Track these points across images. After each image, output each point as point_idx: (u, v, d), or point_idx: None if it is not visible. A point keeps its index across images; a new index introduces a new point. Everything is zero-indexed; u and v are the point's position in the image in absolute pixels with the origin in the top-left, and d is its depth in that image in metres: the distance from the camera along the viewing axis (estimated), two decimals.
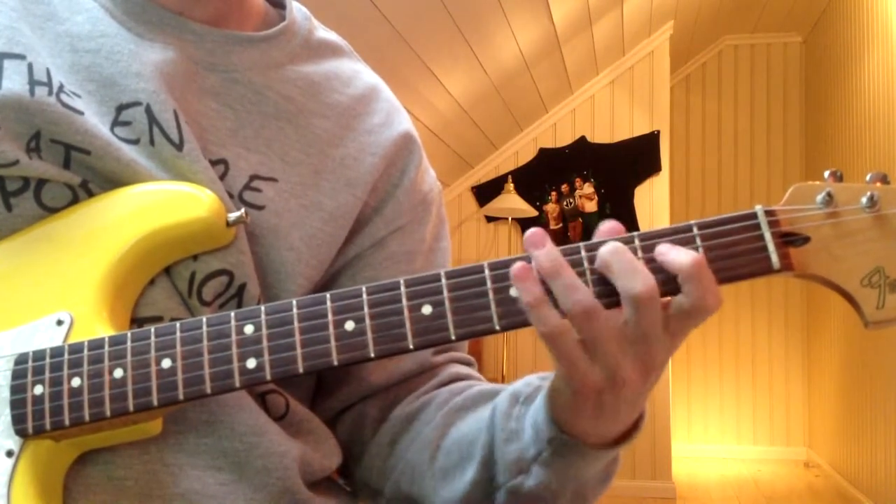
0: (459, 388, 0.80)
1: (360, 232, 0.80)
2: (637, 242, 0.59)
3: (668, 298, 0.59)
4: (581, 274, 0.59)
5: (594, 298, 0.58)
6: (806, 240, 0.58)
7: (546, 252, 0.59)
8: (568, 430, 0.64)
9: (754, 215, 0.59)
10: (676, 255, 0.58)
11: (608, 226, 0.61)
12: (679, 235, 0.59)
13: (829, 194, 0.58)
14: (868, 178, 0.59)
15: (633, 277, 0.57)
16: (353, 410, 0.83)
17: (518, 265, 0.59)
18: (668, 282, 0.58)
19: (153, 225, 0.67)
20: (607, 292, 0.59)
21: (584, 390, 0.60)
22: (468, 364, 0.87)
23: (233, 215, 0.68)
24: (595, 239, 0.60)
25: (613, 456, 0.68)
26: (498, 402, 0.72)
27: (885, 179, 0.58)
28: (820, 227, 0.58)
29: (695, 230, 0.59)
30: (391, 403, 0.82)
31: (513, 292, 0.60)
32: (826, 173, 0.59)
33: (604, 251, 0.58)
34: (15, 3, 0.72)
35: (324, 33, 0.86)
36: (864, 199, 0.58)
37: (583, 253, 0.60)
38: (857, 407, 4.73)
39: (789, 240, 0.58)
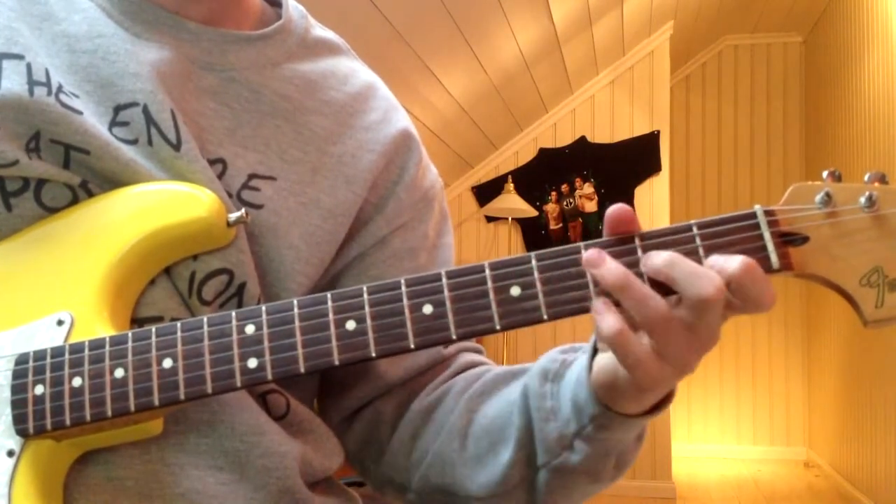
0: (475, 374, 0.81)
1: (362, 231, 0.80)
2: (638, 242, 0.60)
3: None
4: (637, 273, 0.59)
5: (667, 305, 0.58)
6: (805, 239, 0.58)
7: (609, 269, 0.58)
8: (611, 406, 0.64)
9: (753, 215, 0.59)
10: (729, 264, 0.57)
11: (617, 210, 0.61)
12: (679, 235, 0.59)
13: (827, 194, 0.58)
14: (866, 178, 0.59)
15: (701, 282, 0.57)
16: (369, 409, 0.83)
17: (601, 303, 0.59)
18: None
19: (153, 225, 0.67)
20: (657, 284, 0.58)
21: (652, 388, 0.61)
22: (477, 351, 0.87)
23: (233, 215, 0.68)
24: (606, 226, 0.61)
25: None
26: (528, 382, 0.71)
27: (883, 179, 0.58)
28: (819, 227, 0.59)
29: (694, 230, 0.59)
30: (406, 400, 0.82)
31: (513, 292, 0.60)
32: (825, 173, 0.59)
33: (661, 264, 0.58)
34: (12, 2, 0.72)
35: (320, 31, 0.86)
36: (862, 199, 0.58)
37: (637, 243, 0.60)
38: (857, 407, 4.73)
39: (788, 239, 0.59)
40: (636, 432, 0.68)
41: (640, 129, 5.16)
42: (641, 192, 5.08)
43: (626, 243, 0.60)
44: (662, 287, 0.58)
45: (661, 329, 0.58)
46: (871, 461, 4.42)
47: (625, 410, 0.64)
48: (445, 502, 0.77)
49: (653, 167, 5.09)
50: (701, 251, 0.59)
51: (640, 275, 0.59)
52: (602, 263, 0.59)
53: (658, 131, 5.13)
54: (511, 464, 0.71)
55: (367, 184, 0.80)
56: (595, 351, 0.65)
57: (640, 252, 0.59)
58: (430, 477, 0.78)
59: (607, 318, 0.58)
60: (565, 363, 0.70)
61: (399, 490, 0.82)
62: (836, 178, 0.59)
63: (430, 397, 0.81)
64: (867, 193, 0.58)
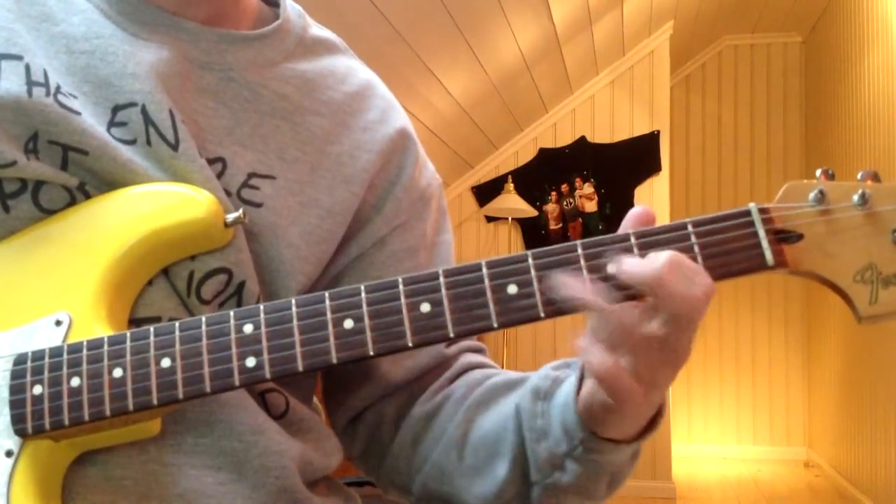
0: (476, 379, 0.81)
1: (361, 231, 0.81)
2: (633, 241, 0.60)
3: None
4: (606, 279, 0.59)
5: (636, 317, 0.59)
6: (799, 237, 0.59)
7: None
8: (598, 432, 0.65)
9: (748, 213, 0.60)
10: (634, 268, 0.58)
11: (640, 212, 0.62)
12: (674, 233, 0.59)
13: (821, 192, 0.59)
14: (859, 176, 0.59)
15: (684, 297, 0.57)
16: (372, 411, 0.83)
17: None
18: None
19: (151, 226, 0.67)
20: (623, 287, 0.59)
21: (628, 407, 0.61)
22: (479, 351, 0.87)
23: (231, 216, 0.69)
24: (626, 222, 0.61)
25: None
26: (520, 401, 0.72)
27: (876, 177, 0.59)
28: (813, 225, 0.59)
29: (689, 228, 0.60)
30: (408, 401, 0.82)
31: (510, 290, 0.60)
32: (818, 172, 0.60)
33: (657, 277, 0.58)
34: (11, 3, 0.72)
35: (318, 31, 0.87)
36: (855, 197, 0.58)
37: (633, 241, 0.60)
38: (857, 407, 4.73)
39: (783, 237, 0.59)
40: (629, 453, 0.69)
41: (640, 129, 5.16)
42: (641, 192, 5.08)
43: (623, 241, 0.60)
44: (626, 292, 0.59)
45: (633, 345, 0.59)
46: (871, 461, 4.42)
47: (612, 434, 0.65)
48: None
49: (653, 167, 5.09)
50: (696, 249, 0.59)
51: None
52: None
53: (658, 131, 5.13)
54: (507, 479, 0.72)
55: (365, 183, 0.80)
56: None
57: (636, 250, 0.59)
58: (429, 485, 0.79)
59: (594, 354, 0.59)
60: (557, 381, 0.70)
61: (402, 492, 0.83)
62: (830, 176, 0.59)
63: (431, 403, 0.81)
64: (860, 191, 0.58)
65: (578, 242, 0.60)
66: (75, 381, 0.63)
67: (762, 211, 0.59)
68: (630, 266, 0.58)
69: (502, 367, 0.85)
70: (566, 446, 0.67)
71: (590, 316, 0.60)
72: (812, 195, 0.59)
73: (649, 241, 0.59)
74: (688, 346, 0.59)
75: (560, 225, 5.16)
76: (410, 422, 0.81)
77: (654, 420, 0.67)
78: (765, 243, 0.59)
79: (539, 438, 0.69)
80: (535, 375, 0.72)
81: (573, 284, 0.58)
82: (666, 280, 0.56)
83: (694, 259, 0.59)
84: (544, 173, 5.23)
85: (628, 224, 0.61)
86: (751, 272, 0.59)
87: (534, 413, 0.70)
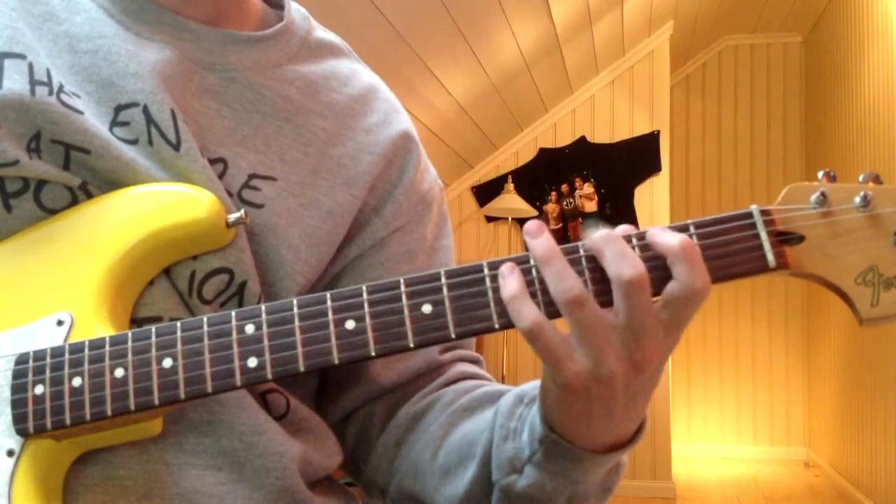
0: (466, 387, 0.81)
1: (360, 232, 0.81)
2: (634, 241, 0.60)
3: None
4: (580, 273, 0.59)
5: (584, 287, 0.58)
6: (801, 239, 0.59)
7: (541, 241, 0.60)
8: (560, 432, 0.64)
9: (750, 215, 0.60)
10: (665, 238, 0.58)
11: (622, 229, 0.61)
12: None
13: (823, 194, 0.59)
14: (861, 178, 0.59)
15: (623, 262, 0.57)
16: (362, 411, 0.83)
17: (505, 265, 0.60)
18: (660, 279, 0.58)
19: (153, 226, 0.67)
20: (604, 291, 0.59)
21: (570, 385, 0.60)
22: (475, 362, 0.87)
23: (232, 216, 0.69)
24: None
25: (613, 464, 0.67)
26: (502, 401, 0.72)
27: (877, 179, 0.59)
28: (815, 227, 0.59)
29: (691, 229, 0.60)
30: (397, 403, 0.82)
31: None
32: (820, 174, 0.60)
33: (597, 236, 0.59)
34: (14, 3, 0.72)
35: (322, 34, 0.87)
36: (857, 199, 0.58)
37: (581, 252, 0.60)
38: (857, 407, 4.73)
39: (784, 239, 0.59)
40: (595, 474, 0.67)
41: (640, 129, 5.16)
42: (641, 192, 5.08)
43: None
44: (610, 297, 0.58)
45: (574, 308, 0.58)
46: (871, 461, 4.42)
47: (579, 440, 0.63)
48: None
49: (653, 167, 5.09)
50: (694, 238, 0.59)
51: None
52: (539, 234, 0.60)
53: (658, 131, 5.13)
54: (473, 480, 0.71)
55: (366, 186, 0.80)
56: None
57: (637, 252, 0.59)
58: (403, 483, 0.79)
59: (518, 304, 0.59)
60: None
61: (381, 493, 0.83)
62: (832, 178, 0.60)
63: (419, 405, 0.81)
64: (862, 193, 0.58)
65: (580, 244, 0.60)
66: (77, 381, 0.63)
67: (764, 213, 0.60)
68: (658, 235, 0.59)
69: (502, 370, 0.85)
70: (529, 450, 0.66)
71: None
72: (814, 197, 0.59)
73: (650, 242, 0.59)
74: (648, 329, 0.58)
75: (560, 225, 5.16)
76: (396, 422, 0.81)
77: (633, 437, 0.66)
78: (766, 245, 0.59)
79: (507, 437, 0.68)
80: (527, 384, 0.72)
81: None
82: (689, 251, 0.57)
83: None
84: (544, 173, 5.23)
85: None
86: (752, 274, 0.59)
87: (511, 414, 0.69)
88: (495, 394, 0.77)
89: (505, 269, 0.60)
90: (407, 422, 0.80)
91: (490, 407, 0.75)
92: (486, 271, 0.61)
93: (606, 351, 0.58)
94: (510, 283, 0.59)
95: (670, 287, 0.58)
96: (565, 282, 0.58)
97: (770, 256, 0.58)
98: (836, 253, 0.58)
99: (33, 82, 0.68)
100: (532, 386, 0.71)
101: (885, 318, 0.58)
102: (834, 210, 0.59)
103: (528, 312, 0.59)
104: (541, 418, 0.65)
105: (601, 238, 0.59)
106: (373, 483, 0.83)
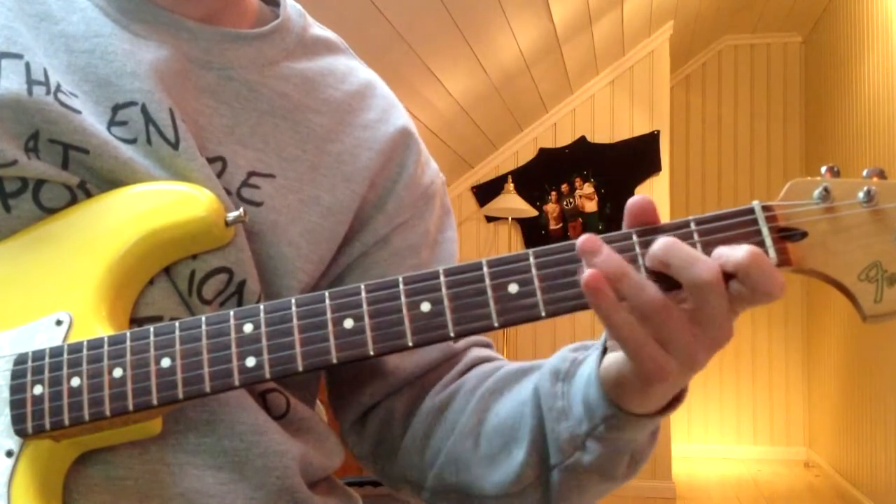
0: (486, 370, 0.80)
1: (363, 230, 0.80)
2: (635, 238, 0.59)
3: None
4: (633, 260, 0.58)
5: (663, 294, 0.57)
6: (803, 234, 0.58)
7: (605, 258, 0.57)
8: (622, 406, 0.63)
9: (751, 210, 0.59)
10: (735, 255, 0.57)
11: (639, 200, 0.60)
12: (677, 231, 0.59)
13: (825, 189, 0.58)
14: (865, 173, 0.58)
15: (695, 268, 0.56)
16: (381, 408, 0.83)
17: (587, 239, 0.58)
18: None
19: (152, 225, 0.67)
20: (662, 278, 0.58)
21: (658, 380, 0.59)
22: (487, 346, 0.87)
23: (231, 215, 0.68)
24: (627, 215, 0.60)
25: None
26: (539, 382, 0.71)
27: (882, 175, 0.58)
28: (817, 222, 0.58)
29: (692, 226, 0.59)
30: (417, 396, 0.82)
31: (511, 289, 0.60)
32: (823, 169, 0.59)
33: (657, 250, 0.57)
34: (11, 2, 0.73)
35: (318, 30, 0.87)
36: (861, 194, 0.58)
37: (635, 238, 0.59)
38: (857, 407, 4.73)
39: (786, 234, 0.58)
40: (649, 430, 0.67)
41: (640, 129, 5.16)
42: (641, 192, 5.04)
43: (625, 239, 0.59)
44: (667, 283, 0.58)
45: (661, 318, 0.57)
46: (871, 461, 4.42)
47: (634, 408, 0.63)
48: (460, 501, 0.77)
49: (653, 167, 5.09)
50: (699, 247, 0.58)
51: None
52: (599, 252, 0.57)
53: (658, 131, 5.13)
54: (525, 463, 0.70)
55: (366, 182, 0.80)
56: (605, 350, 0.65)
57: (637, 248, 0.59)
58: (444, 476, 0.78)
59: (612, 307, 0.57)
60: (576, 362, 0.69)
61: (414, 488, 0.82)
62: (835, 173, 0.59)
63: (442, 395, 0.80)
64: (866, 188, 0.57)
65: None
66: (75, 381, 0.63)
67: (766, 209, 0.59)
68: (726, 254, 0.57)
69: None
70: (587, 425, 0.65)
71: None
72: (816, 192, 0.58)
73: (652, 238, 0.59)
74: (722, 323, 0.57)
75: (560, 225, 5.16)
76: (421, 415, 0.80)
77: (676, 399, 0.65)
78: (768, 241, 0.58)
79: (559, 419, 0.68)
80: (553, 358, 0.71)
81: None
82: (761, 260, 0.56)
83: None
84: (544, 173, 5.22)
85: (630, 214, 0.60)
86: None
87: (553, 394, 0.69)
88: (518, 371, 0.77)
89: (591, 281, 0.57)
90: (432, 413, 0.80)
91: (517, 385, 0.75)
92: (485, 269, 0.60)
93: (695, 348, 0.58)
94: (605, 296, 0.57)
95: (747, 295, 0.57)
96: (645, 293, 0.57)
97: (772, 253, 0.58)
98: (839, 249, 0.58)
99: (30, 82, 0.68)
100: (561, 359, 0.70)
101: (889, 315, 0.57)
102: (837, 205, 0.58)
103: (637, 332, 0.57)
104: (602, 396, 0.64)
105: (661, 251, 0.57)
106: (403, 478, 0.83)
